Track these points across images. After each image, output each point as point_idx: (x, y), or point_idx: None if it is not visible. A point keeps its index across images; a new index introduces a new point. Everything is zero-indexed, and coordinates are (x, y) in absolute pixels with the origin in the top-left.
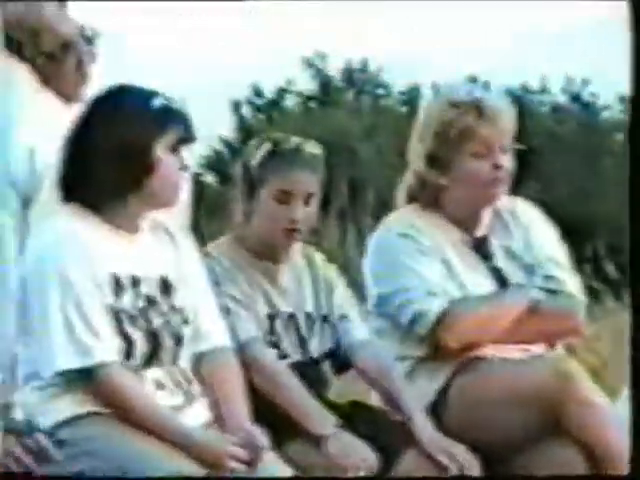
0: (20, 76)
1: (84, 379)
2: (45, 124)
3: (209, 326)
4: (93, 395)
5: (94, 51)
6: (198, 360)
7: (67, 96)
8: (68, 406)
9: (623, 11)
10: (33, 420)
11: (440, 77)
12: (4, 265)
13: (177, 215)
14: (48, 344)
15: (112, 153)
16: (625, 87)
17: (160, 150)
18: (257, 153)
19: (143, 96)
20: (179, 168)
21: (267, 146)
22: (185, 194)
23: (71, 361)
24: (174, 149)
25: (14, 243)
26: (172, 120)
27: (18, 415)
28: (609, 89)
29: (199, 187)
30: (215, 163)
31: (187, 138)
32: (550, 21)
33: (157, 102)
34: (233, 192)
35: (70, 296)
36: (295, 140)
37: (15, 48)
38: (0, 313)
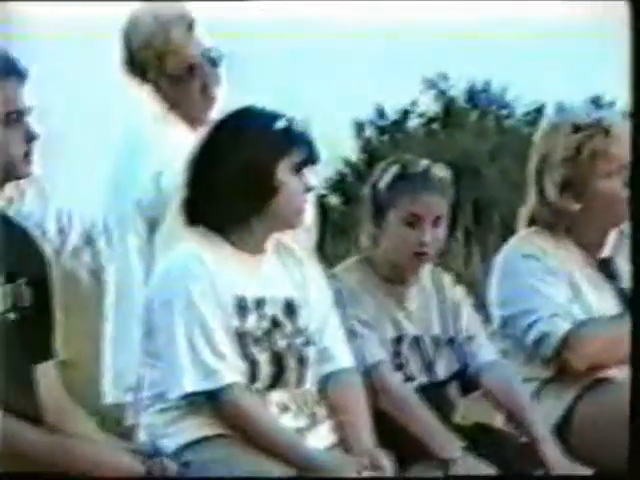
0: (145, 99)
1: (209, 401)
2: (171, 148)
3: (334, 348)
4: (218, 417)
5: (219, 74)
6: (323, 382)
7: (192, 119)
8: (193, 428)
9: None
10: (158, 442)
11: (564, 97)
12: (131, 287)
13: (302, 236)
14: (174, 367)
15: (235, 176)
16: None
17: (283, 172)
18: (385, 176)
19: (266, 118)
20: (303, 189)
21: (395, 169)
22: (310, 215)
23: (197, 384)
24: (297, 170)
25: (141, 266)
26: (295, 142)
27: (143, 437)
28: None
29: (324, 208)
30: (339, 185)
31: (310, 159)
32: None
33: (279, 124)
34: (360, 214)
35: (195, 319)
36: (423, 163)
37: (139, 70)
38: (127, 336)
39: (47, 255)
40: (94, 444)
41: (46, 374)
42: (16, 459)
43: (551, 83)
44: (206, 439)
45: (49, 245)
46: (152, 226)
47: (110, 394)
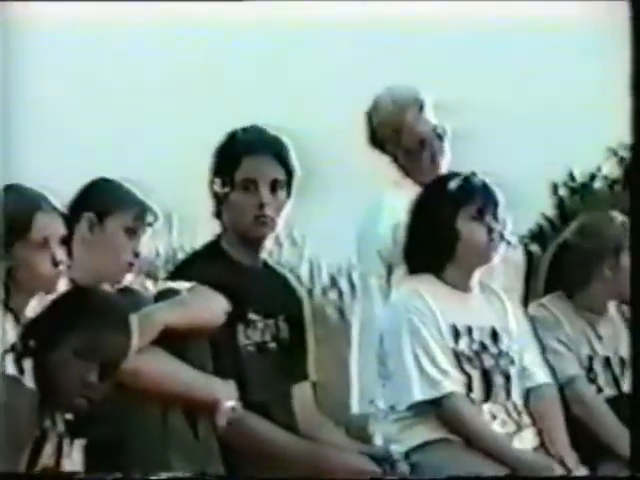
0: (385, 167)
1: (434, 409)
2: (405, 206)
3: (533, 367)
4: (441, 423)
5: (445, 147)
6: (526, 395)
7: (422, 184)
8: (420, 434)
9: None
10: (390, 447)
11: None
12: (372, 319)
13: (510, 277)
14: (404, 381)
15: (428, 229)
16: None
17: (462, 220)
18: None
19: (443, 180)
20: (486, 232)
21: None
22: (519, 259)
23: (424, 393)
24: (477, 217)
25: (381, 302)
26: (468, 196)
27: (378, 442)
28: None
29: (529, 254)
30: (538, 235)
31: (489, 206)
32: None
33: (452, 184)
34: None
35: (419, 341)
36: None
37: (379, 144)
38: (368, 360)
39: (301, 295)
40: (338, 449)
41: (301, 392)
42: (272, 461)
43: None
44: (431, 443)
45: (302, 287)
46: (389, 269)
47: (356, 406)
